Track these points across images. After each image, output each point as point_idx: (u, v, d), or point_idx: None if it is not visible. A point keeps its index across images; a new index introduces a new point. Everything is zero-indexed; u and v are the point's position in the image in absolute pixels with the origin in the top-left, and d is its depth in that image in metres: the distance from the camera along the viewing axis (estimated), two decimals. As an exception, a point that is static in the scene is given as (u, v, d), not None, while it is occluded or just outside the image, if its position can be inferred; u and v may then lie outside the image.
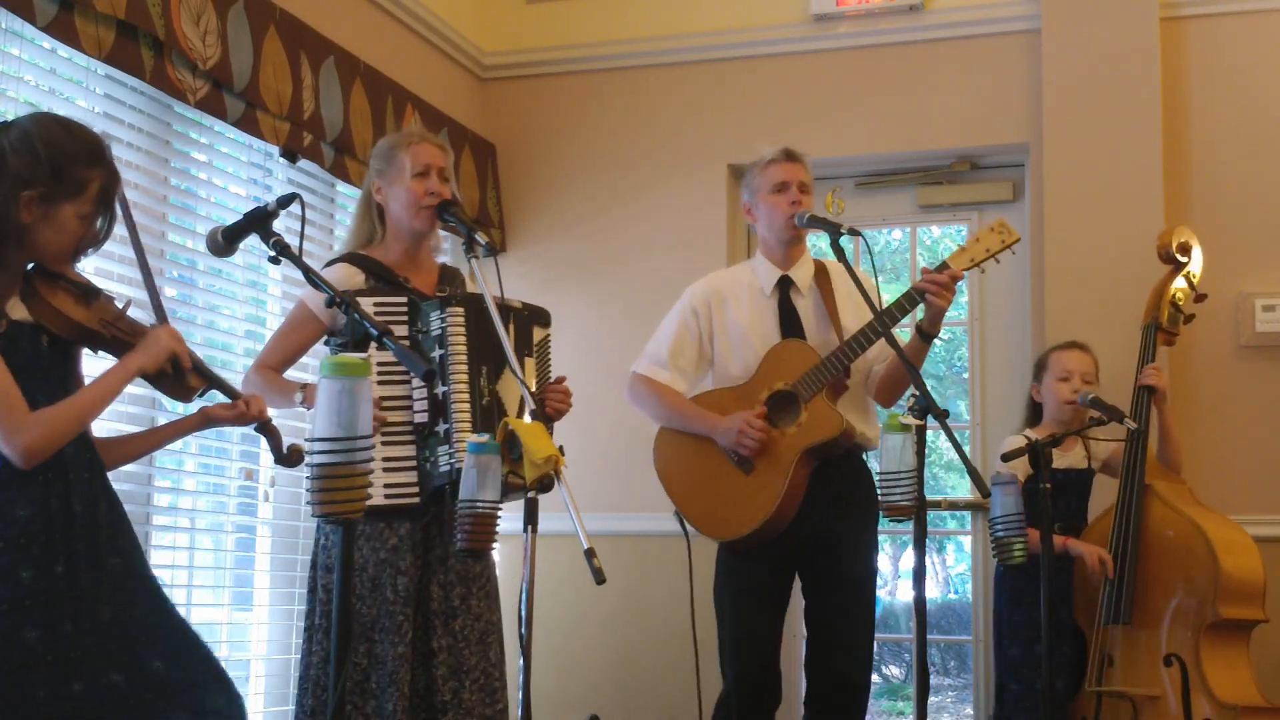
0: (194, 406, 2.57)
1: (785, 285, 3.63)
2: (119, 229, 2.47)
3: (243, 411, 2.52)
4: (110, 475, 2.44)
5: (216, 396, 2.58)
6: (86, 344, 2.40)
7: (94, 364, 2.48)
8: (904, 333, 3.60)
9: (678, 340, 3.65)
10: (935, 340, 3.48)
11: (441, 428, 2.96)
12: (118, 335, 2.38)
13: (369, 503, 2.86)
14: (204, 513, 3.73)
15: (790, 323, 3.59)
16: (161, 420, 3.28)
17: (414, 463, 2.98)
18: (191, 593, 3.62)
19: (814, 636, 3.54)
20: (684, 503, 3.56)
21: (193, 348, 2.51)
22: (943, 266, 3.41)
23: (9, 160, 2.28)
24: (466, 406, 2.96)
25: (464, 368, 2.98)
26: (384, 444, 2.94)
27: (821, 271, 3.65)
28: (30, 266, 2.35)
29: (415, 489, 2.97)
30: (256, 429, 2.57)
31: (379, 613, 2.93)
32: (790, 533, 3.46)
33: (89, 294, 2.38)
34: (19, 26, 3.03)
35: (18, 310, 2.29)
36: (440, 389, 2.97)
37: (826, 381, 3.43)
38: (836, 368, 3.42)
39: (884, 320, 3.36)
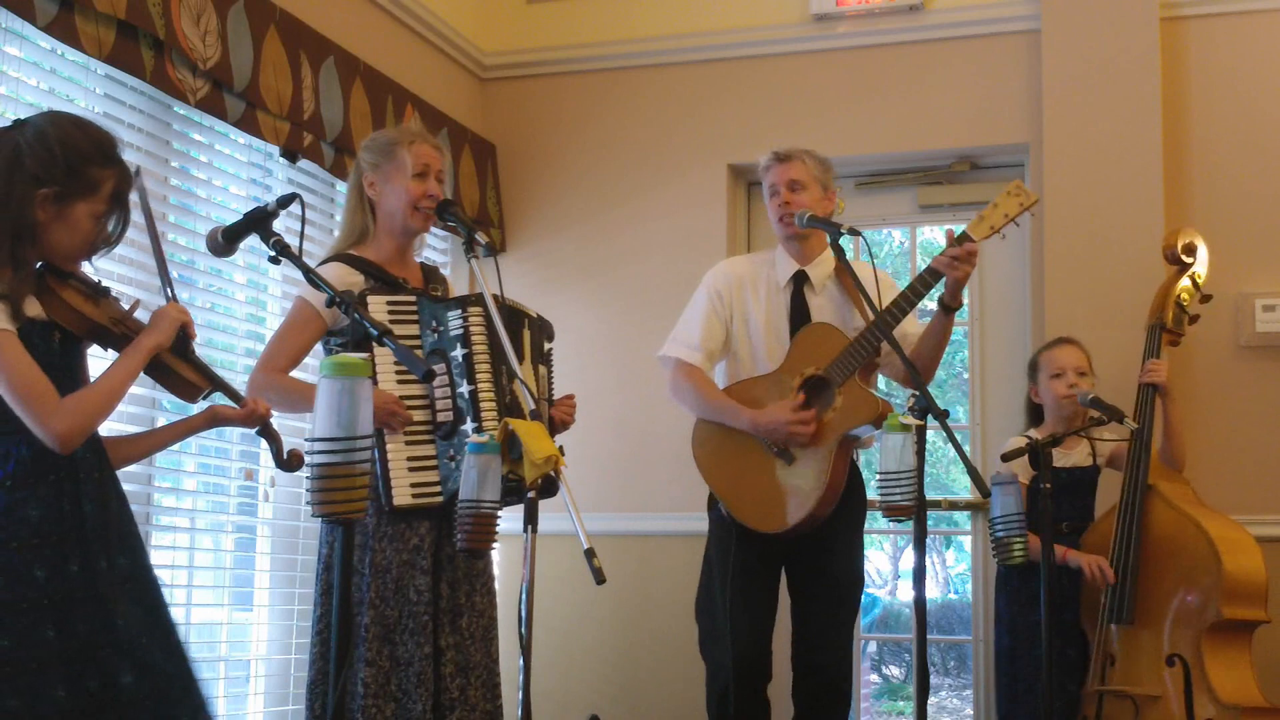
0: (199, 407, 2.59)
1: (800, 280, 3.64)
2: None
3: (251, 410, 2.54)
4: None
5: (222, 399, 2.58)
6: (97, 341, 2.42)
7: (98, 366, 2.47)
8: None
9: (707, 324, 3.65)
10: (957, 311, 3.48)
11: (469, 426, 2.96)
12: (127, 333, 2.40)
13: (396, 502, 2.90)
14: (204, 513, 3.73)
15: (800, 318, 3.60)
16: (163, 421, 3.28)
17: (435, 462, 2.98)
18: (191, 593, 3.62)
19: (800, 633, 3.55)
20: (728, 498, 3.53)
21: (194, 347, 2.52)
22: (963, 237, 3.38)
23: (25, 159, 2.29)
24: (493, 405, 2.96)
25: (488, 366, 2.98)
26: (407, 443, 2.95)
27: (840, 267, 3.66)
28: (40, 265, 2.36)
29: (438, 488, 2.97)
30: (258, 432, 2.58)
31: (402, 614, 2.93)
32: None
33: (98, 292, 2.41)
34: (19, 26, 3.02)
35: (32, 307, 2.31)
36: (465, 388, 2.97)
37: (860, 363, 3.42)
38: (868, 348, 3.41)
39: (909, 296, 3.38)
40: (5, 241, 2.27)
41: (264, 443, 2.59)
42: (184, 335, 2.44)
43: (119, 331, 2.39)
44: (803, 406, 3.45)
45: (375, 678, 2.88)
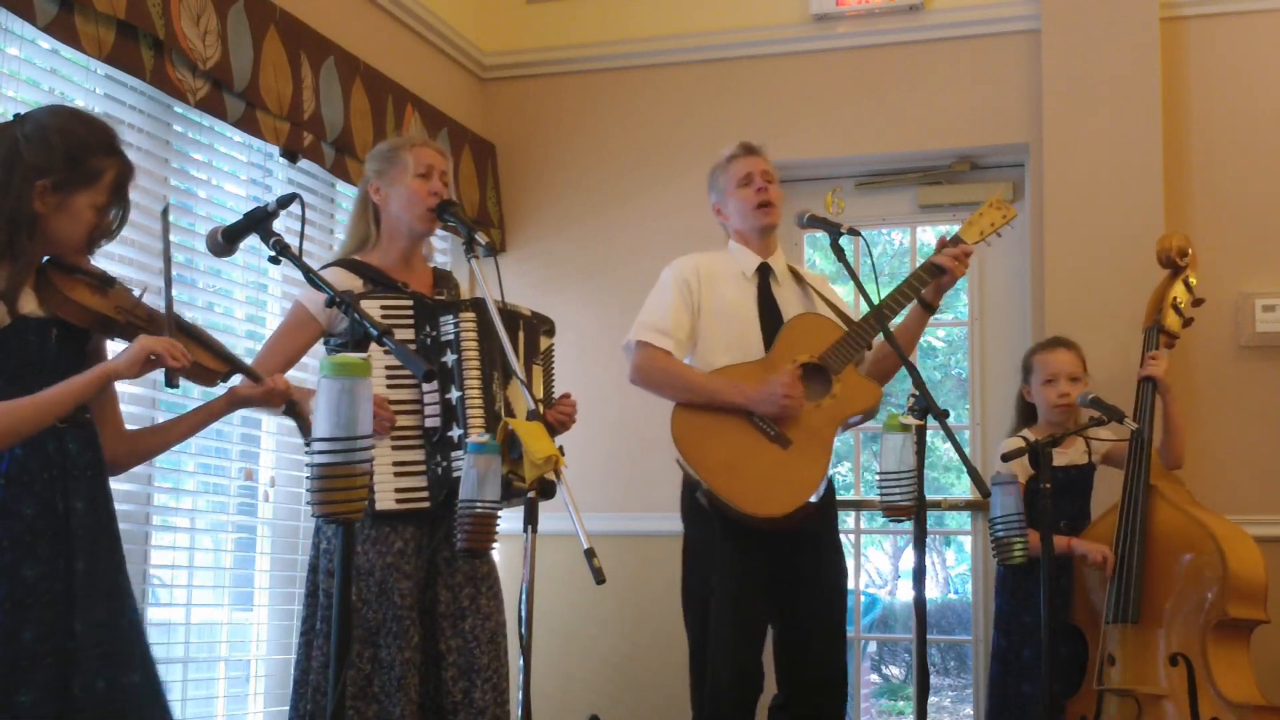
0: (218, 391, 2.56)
1: (765, 272, 3.65)
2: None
3: (271, 388, 2.50)
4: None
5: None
6: (104, 332, 2.41)
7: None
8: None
9: (675, 313, 3.56)
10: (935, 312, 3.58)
11: (455, 432, 2.95)
12: (133, 322, 2.38)
13: (378, 507, 2.89)
14: (204, 513, 3.73)
15: (769, 308, 3.60)
16: (161, 417, 3.28)
17: (423, 467, 2.97)
18: (191, 593, 3.62)
19: (797, 634, 3.50)
20: (720, 481, 3.37)
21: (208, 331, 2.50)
22: (956, 240, 3.52)
23: (23, 151, 2.29)
24: (481, 411, 2.94)
25: (477, 372, 2.97)
26: (394, 448, 2.94)
27: (793, 269, 3.73)
28: (46, 260, 2.35)
29: (425, 493, 2.96)
30: (285, 410, 2.54)
31: (385, 617, 2.91)
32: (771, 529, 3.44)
33: (105, 283, 2.40)
34: (19, 26, 3.02)
35: (28, 304, 2.30)
36: (454, 393, 2.96)
37: (857, 352, 3.45)
38: (865, 339, 3.44)
39: (906, 291, 3.44)
40: (3, 233, 2.26)
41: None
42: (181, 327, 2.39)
43: (124, 321, 2.37)
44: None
45: (356, 679, 2.87)
